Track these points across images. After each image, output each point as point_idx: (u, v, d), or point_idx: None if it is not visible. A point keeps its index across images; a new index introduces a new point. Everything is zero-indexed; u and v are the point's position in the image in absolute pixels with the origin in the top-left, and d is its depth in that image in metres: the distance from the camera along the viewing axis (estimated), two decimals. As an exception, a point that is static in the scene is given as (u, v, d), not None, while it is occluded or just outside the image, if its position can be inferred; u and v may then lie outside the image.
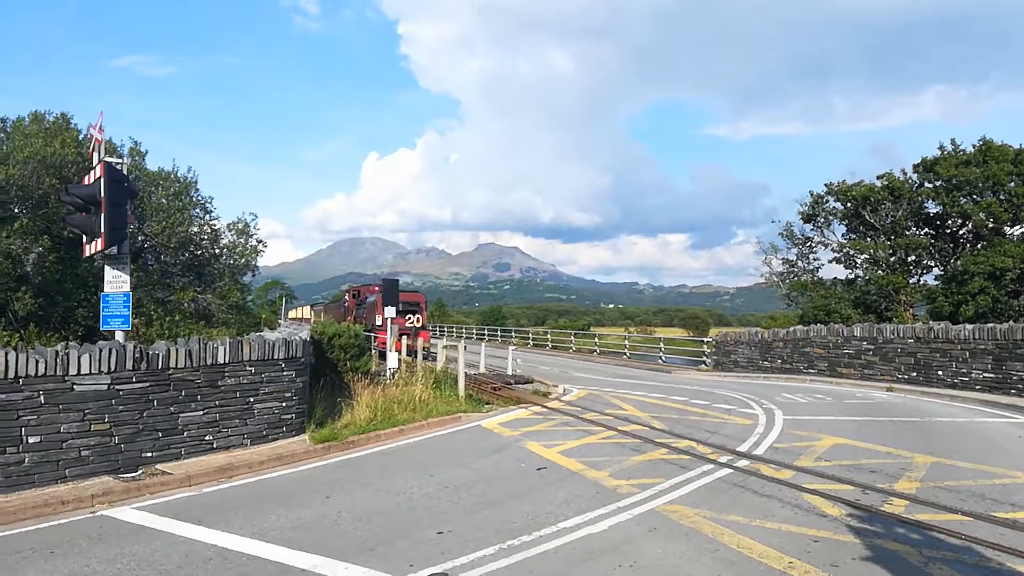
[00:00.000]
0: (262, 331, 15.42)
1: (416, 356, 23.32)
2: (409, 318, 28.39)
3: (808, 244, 35.21)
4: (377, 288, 29.01)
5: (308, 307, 65.98)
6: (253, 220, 22.11)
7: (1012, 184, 28.32)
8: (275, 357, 10.61)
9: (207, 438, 9.73)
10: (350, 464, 9.82)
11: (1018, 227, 29.05)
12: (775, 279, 36.59)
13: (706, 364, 28.42)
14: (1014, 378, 15.97)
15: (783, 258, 36.21)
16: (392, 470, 9.32)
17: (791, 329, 24.62)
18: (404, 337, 25.51)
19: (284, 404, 10.72)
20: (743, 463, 9.28)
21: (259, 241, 22.08)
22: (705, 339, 31.72)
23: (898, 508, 7.13)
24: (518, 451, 10.41)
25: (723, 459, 9.46)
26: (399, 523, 6.94)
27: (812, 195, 34.14)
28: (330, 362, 15.48)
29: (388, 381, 15.28)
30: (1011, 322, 19.00)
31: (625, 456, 9.83)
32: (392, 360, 17.59)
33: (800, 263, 35.60)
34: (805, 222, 34.53)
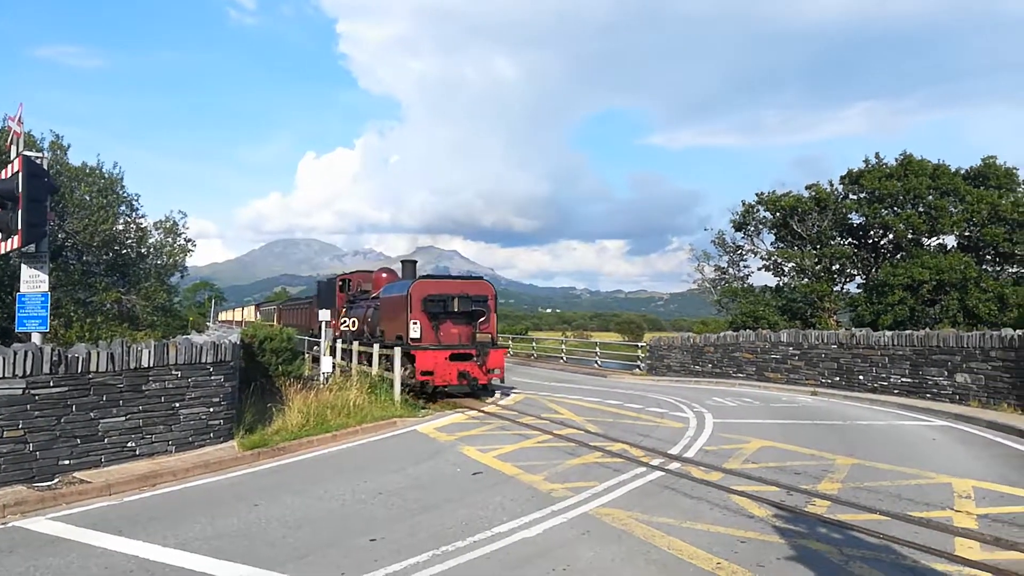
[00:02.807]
0: (189, 334, 14.95)
1: (483, 389, 16.71)
2: (469, 326, 16.96)
3: (739, 252, 36.22)
4: (385, 276, 21.90)
5: (252, 307, 60.38)
6: (182, 219, 21.42)
7: (930, 197, 29.75)
8: (203, 361, 10.28)
9: (129, 445, 9.36)
10: (280, 471, 9.59)
11: (935, 238, 30.53)
12: (707, 285, 37.50)
13: (640, 368, 28.89)
14: (929, 383, 16.75)
15: (715, 265, 37.16)
16: (324, 477, 9.14)
17: (721, 334, 25.25)
18: (463, 359, 16.27)
19: (212, 409, 10.40)
20: (675, 466, 9.45)
21: (188, 240, 21.40)
22: (640, 344, 32.25)
23: (821, 508, 7.38)
24: (454, 456, 10.36)
25: (655, 462, 9.62)
26: (331, 530, 6.81)
27: (744, 204, 35.15)
28: (261, 366, 15.10)
29: (322, 386, 15.00)
30: (927, 330, 19.93)
31: (561, 460, 9.89)
32: (326, 364, 17.28)
33: (731, 270, 36.59)
34: (736, 230, 35.53)
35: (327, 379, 16.11)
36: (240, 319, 58.94)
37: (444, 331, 16.72)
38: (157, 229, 20.89)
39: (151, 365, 9.63)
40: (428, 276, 17.78)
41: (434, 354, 16.06)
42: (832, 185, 33.21)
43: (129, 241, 19.88)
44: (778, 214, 33.55)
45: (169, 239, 20.87)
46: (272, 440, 10.74)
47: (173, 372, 9.89)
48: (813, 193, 32.92)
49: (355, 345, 19.93)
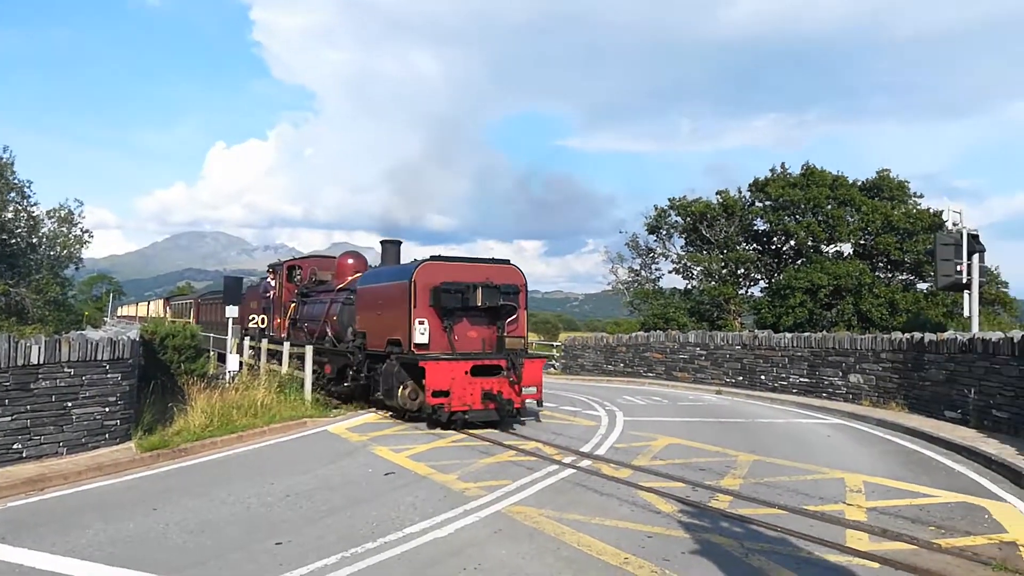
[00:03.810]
0: (84, 330, 14.16)
1: (515, 415, 12.32)
2: (493, 327, 13.04)
3: (651, 255, 37.17)
4: (352, 262, 17.49)
5: (160, 302, 55.49)
6: (78, 208, 20.31)
7: (829, 207, 31.35)
8: (99, 358, 9.75)
9: (15, 447, 8.78)
10: (181, 473, 9.20)
11: (833, 246, 32.20)
12: (621, 287, 38.33)
13: (555, 367, 29.24)
14: (825, 383, 17.65)
15: (628, 267, 38.02)
16: (229, 479, 8.83)
17: (633, 335, 25.86)
18: (488, 373, 12.19)
19: (108, 409, 9.87)
20: (586, 463, 9.60)
21: (85, 231, 20.30)
22: (554, 343, 32.65)
23: (723, 503, 7.65)
24: (366, 456, 10.20)
25: (567, 460, 9.74)
26: (234, 534, 6.58)
27: (656, 209, 36.09)
28: (162, 364, 14.46)
29: (227, 385, 14.48)
30: (824, 332, 21.01)
31: (474, 459, 9.89)
32: (232, 363, 16.68)
33: (643, 272, 37.50)
34: (649, 234, 36.45)
35: (233, 378, 15.57)
36: (146, 314, 54.73)
37: (460, 334, 12.63)
38: (50, 218, 19.71)
39: (41, 362, 9.06)
40: (439, 257, 12.75)
41: (450, 366, 11.71)
42: (740, 192, 34.54)
43: (19, 230, 18.66)
44: (688, 219, 34.62)
45: (64, 229, 19.72)
46: (173, 441, 10.29)
47: (66, 370, 9.33)
48: (722, 200, 34.14)
49: (308, 349, 15.40)
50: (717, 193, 34.59)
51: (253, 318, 20.84)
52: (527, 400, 12.49)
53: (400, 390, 12.46)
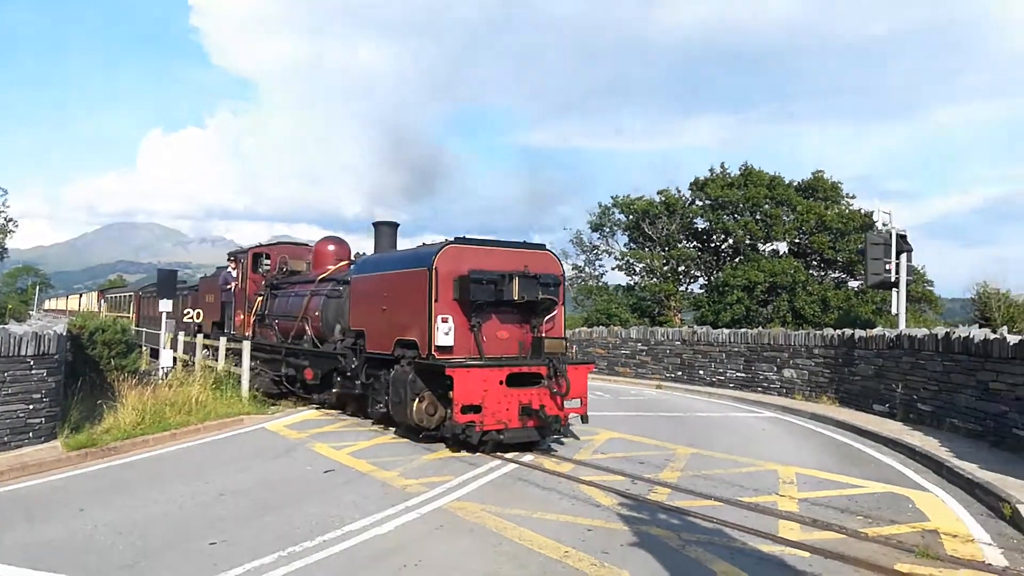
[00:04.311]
0: (7, 323, 13.53)
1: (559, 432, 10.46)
2: (526, 326, 10.82)
3: (595, 252, 37.56)
4: (333, 248, 15.52)
5: (93, 295, 51.97)
6: (2, 196, 19.36)
7: (766, 206, 32.19)
8: (22, 353, 9.33)
9: (-71, 447, 8.33)
10: (111, 472, 8.89)
11: (769, 244, 33.09)
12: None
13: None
14: (760, 377, 18.13)
15: (573, 264, 38.32)
16: (161, 478, 8.56)
17: (577, 330, 26.09)
18: (526, 383, 10.04)
19: (32, 407, 9.46)
20: (528, 458, 9.64)
21: (8, 220, 19.38)
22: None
23: (662, 496, 7.78)
24: (305, 454, 10.03)
25: (509, 455, 9.76)
26: (167, 535, 6.38)
27: (600, 206, 36.48)
28: (92, 360, 13.92)
29: (160, 381, 14.05)
30: (760, 328, 21.57)
31: (417, 455, 9.82)
32: (165, 358, 16.18)
33: (587, 269, 37.86)
34: (593, 231, 36.82)
35: (167, 374, 15.11)
36: (77, 308, 51.72)
37: (488, 334, 10.37)
38: (-30, 207, 18.74)
39: (-42, 358, 8.61)
40: (464, 239, 10.54)
41: (482, 374, 9.59)
42: (680, 191, 35.17)
43: (-65, 219, 17.71)
44: (631, 217, 35.10)
45: (-15, 218, 18.79)
46: (102, 440, 9.92)
47: (-15, 366, 8.90)
48: (664, 198, 34.70)
49: (245, 345, 14.63)
50: (659, 192, 35.15)
51: (188, 312, 19.89)
52: (571, 415, 10.36)
53: (415, 403, 9.98)
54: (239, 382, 14.46)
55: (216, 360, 16.01)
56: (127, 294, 37.18)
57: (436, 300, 9.99)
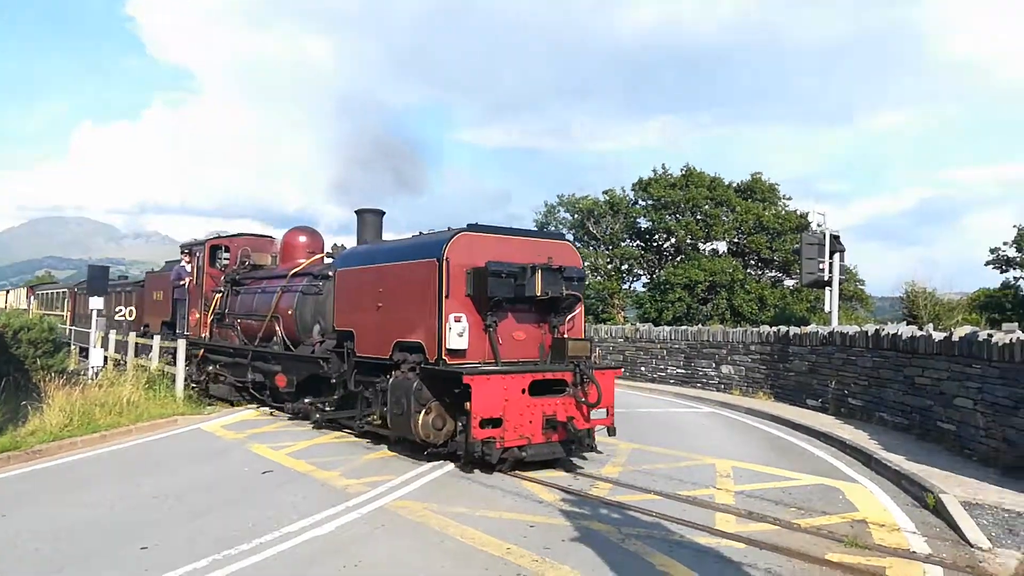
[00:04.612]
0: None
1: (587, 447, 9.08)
2: (545, 325, 9.65)
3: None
4: (304, 240, 14.25)
5: (22, 291, 48.69)
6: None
7: (707, 207, 32.89)
8: (-62, 353, 8.83)
9: None
10: (35, 476, 8.52)
11: (710, 244, 33.82)
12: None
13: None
14: (699, 373, 18.50)
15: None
16: (90, 481, 8.24)
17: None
18: (549, 391, 8.96)
19: (-51, 409, 8.98)
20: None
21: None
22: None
23: (603, 491, 7.87)
24: (242, 454, 9.80)
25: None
26: (95, 540, 6.15)
27: (546, 205, 36.70)
28: (15, 359, 13.32)
29: (91, 381, 13.53)
30: (699, 326, 22.01)
31: (358, 455, 9.70)
32: (96, 357, 15.59)
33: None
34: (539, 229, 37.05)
35: (97, 373, 14.57)
36: (3, 305, 48.56)
37: (505, 335, 9.20)
38: None
39: None
40: (478, 226, 9.42)
41: (503, 382, 8.44)
42: (624, 191, 35.63)
43: None
44: (576, 215, 35.42)
45: (-101, 211, 17.74)
46: (26, 442, 9.52)
47: None
48: (608, 198, 35.11)
49: (180, 343, 13.98)
50: (604, 192, 35.56)
51: (120, 310, 18.90)
52: (597, 426, 9.14)
53: (420, 415, 8.81)
54: (173, 381, 14.04)
55: (172, 362, 15.18)
56: (60, 291, 34.73)
57: (447, 296, 8.74)
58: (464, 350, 8.79)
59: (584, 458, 9.49)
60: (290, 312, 12.52)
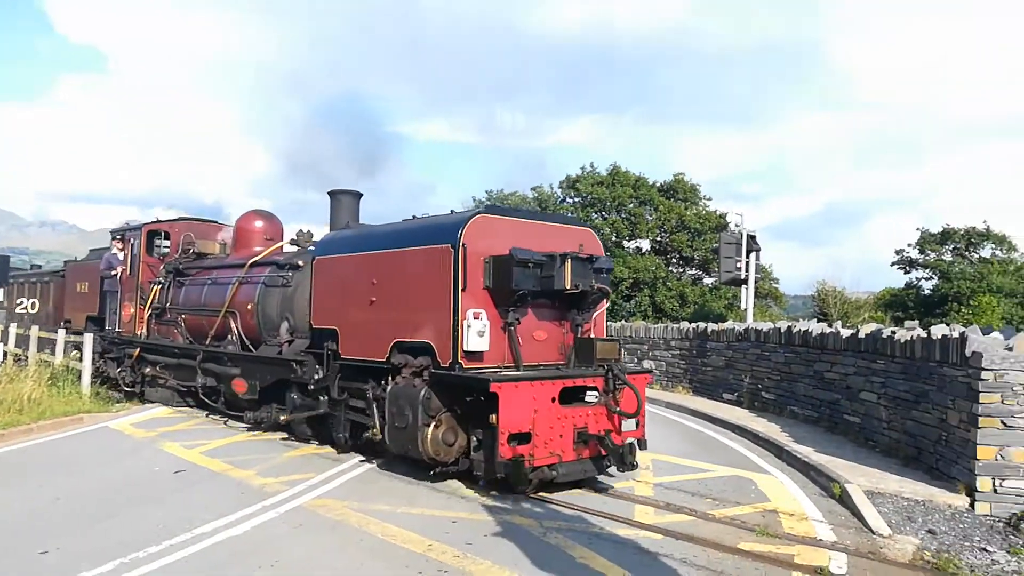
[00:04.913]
0: None
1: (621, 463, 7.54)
2: (566, 323, 8.48)
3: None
4: (261, 225, 12.72)
5: None
6: None
7: (631, 205, 33.52)
8: None
9: None
10: (-76, 479, 7.97)
11: (634, 242, 34.47)
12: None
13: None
14: (623, 369, 18.87)
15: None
16: (-15, 483, 7.77)
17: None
18: (578, 399, 8.04)
19: None
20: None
21: None
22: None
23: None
24: (153, 454, 9.41)
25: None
26: (-12, 546, 5.80)
27: (475, 201, 36.60)
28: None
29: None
30: (623, 322, 22.43)
31: (276, 453, 9.45)
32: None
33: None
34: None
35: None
36: None
37: (524, 334, 8.06)
38: None
39: None
40: (497, 209, 9.16)
41: (532, 390, 7.35)
42: (552, 188, 35.92)
43: None
44: (504, 211, 35.50)
45: None
46: (-87, 443, 8.88)
47: None
48: (536, 195, 35.33)
49: (88, 337, 12.91)
50: (532, 189, 35.74)
51: (21, 302, 17.71)
52: (627, 439, 7.79)
53: (429, 430, 7.61)
54: (80, 377, 13.36)
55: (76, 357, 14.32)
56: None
57: (464, 289, 7.54)
58: (483, 352, 7.60)
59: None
60: (250, 307, 11.09)
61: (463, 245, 7.57)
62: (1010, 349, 7.23)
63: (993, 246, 33.99)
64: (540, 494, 7.46)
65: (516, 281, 7.60)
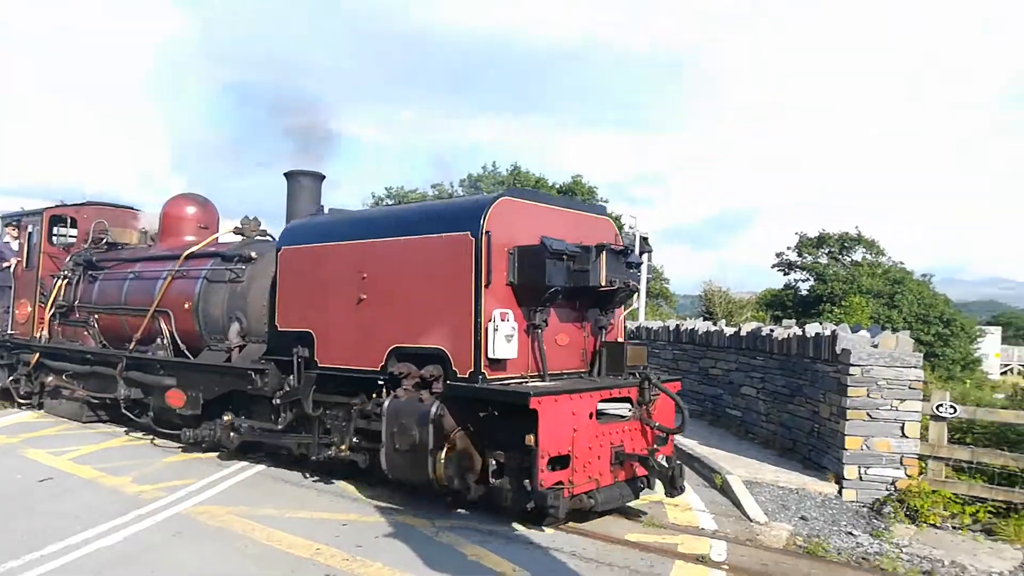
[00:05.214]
0: None
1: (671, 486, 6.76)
2: (587, 325, 7.39)
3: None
4: (193, 212, 11.08)
5: None
6: None
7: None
8: None
9: None
10: None
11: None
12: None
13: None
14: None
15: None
16: None
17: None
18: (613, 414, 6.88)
19: None
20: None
21: None
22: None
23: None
24: (15, 461, 8.70)
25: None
26: None
27: (374, 197, 36.04)
28: None
29: None
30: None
31: (154, 459, 8.96)
32: None
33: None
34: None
35: None
36: None
37: (548, 339, 6.99)
38: None
39: None
40: (517, 191, 7.89)
41: (571, 405, 6.39)
42: (453, 187, 35.82)
43: None
44: (402, 209, 35.15)
45: None
46: None
47: None
48: (437, 192, 35.14)
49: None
50: (433, 186, 35.52)
51: None
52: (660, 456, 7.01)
53: (441, 453, 6.47)
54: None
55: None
56: None
57: (487, 285, 6.48)
58: (507, 360, 6.52)
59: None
60: (187, 305, 9.51)
61: (487, 233, 6.46)
62: (875, 346, 7.77)
63: (864, 250, 36.54)
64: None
65: (550, 276, 6.56)
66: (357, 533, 6.20)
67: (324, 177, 9.44)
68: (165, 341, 9.78)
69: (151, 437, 9.96)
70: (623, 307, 7.69)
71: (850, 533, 6.64)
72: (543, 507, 6.04)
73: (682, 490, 6.88)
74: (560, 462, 6.17)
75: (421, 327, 6.81)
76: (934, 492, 7.21)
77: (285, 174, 9.35)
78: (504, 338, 6.37)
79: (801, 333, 9.36)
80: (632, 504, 7.12)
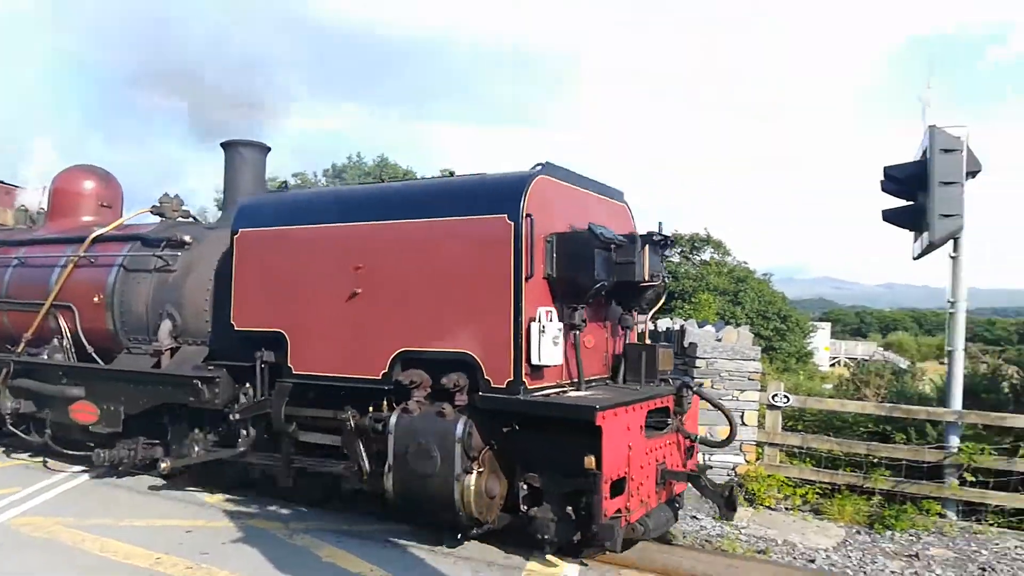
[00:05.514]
0: None
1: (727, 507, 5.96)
2: (610, 325, 6.59)
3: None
4: (93, 186, 9.27)
5: None
6: None
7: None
8: None
9: None
10: None
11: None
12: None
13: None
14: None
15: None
16: None
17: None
18: (658, 427, 6.06)
19: None
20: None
21: None
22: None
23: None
24: None
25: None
26: None
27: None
28: None
29: None
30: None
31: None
32: None
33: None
34: (220, 210, 34.51)
35: None
36: None
37: (583, 342, 6.08)
38: None
39: None
40: (553, 168, 6.02)
41: (627, 419, 5.50)
42: (316, 176, 34.70)
43: None
44: (262, 198, 33.70)
45: None
46: None
47: None
48: (299, 181, 33.92)
49: None
50: (295, 175, 34.24)
51: None
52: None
53: (470, 478, 5.48)
54: None
55: None
56: None
57: (527, 278, 5.49)
58: (547, 367, 5.58)
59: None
60: (97, 299, 7.96)
61: (528, 216, 5.47)
62: (719, 340, 8.27)
63: (712, 250, 38.84)
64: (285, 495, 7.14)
65: (598, 270, 5.69)
66: (203, 539, 5.89)
67: (269, 149, 8.29)
68: (65, 342, 8.18)
69: (43, 459, 8.35)
70: (655, 305, 6.76)
71: (695, 517, 7.04)
72: (601, 540, 5.20)
73: (734, 510, 6.07)
74: (616, 486, 5.33)
75: (438, 327, 5.72)
76: (769, 476, 7.79)
77: (223, 144, 8.10)
78: (551, 341, 5.47)
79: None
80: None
